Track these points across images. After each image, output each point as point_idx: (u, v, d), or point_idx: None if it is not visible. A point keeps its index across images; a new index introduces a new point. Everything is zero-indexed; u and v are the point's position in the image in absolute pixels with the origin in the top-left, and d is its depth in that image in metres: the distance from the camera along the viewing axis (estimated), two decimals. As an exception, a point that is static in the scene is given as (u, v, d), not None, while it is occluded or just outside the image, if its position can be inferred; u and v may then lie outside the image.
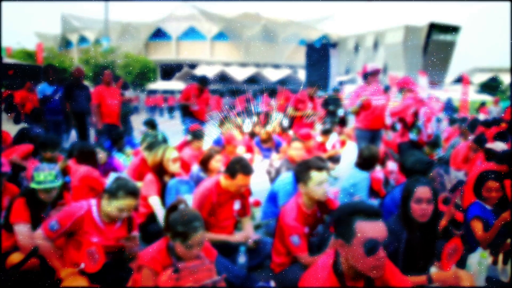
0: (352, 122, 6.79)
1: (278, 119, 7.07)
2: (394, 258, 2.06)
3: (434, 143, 4.76)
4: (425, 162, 3.04)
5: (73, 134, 6.32)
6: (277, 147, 5.79)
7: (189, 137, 4.66)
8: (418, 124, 4.73)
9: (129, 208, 2.35)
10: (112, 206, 2.33)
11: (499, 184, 2.81)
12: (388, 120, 4.93)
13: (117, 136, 5.19)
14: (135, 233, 2.43)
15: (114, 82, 6.68)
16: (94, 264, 2.24)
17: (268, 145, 5.75)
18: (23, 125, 8.66)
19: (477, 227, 2.74)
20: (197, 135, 4.63)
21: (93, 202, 2.41)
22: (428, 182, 2.24)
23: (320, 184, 2.57)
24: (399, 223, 2.22)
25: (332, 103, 8.93)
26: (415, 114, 4.78)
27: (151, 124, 6.24)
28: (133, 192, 2.35)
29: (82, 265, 2.23)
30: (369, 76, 5.10)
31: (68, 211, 2.38)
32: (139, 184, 3.48)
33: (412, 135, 4.78)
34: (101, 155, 4.15)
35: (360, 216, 1.53)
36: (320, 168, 2.60)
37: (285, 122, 6.97)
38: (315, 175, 2.57)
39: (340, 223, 1.59)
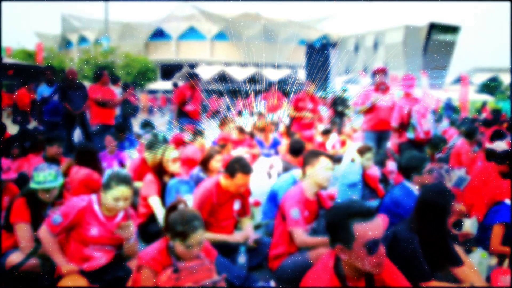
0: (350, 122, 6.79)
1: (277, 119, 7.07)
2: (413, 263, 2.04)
3: (436, 143, 4.74)
4: (418, 158, 3.06)
5: (76, 134, 6.30)
6: (276, 146, 5.79)
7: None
8: (412, 122, 4.75)
9: (124, 197, 2.37)
10: (107, 197, 2.37)
11: None
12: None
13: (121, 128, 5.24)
14: (129, 222, 2.42)
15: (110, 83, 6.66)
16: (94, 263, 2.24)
17: (263, 137, 5.77)
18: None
19: (498, 234, 2.62)
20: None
21: (94, 196, 2.46)
22: None
23: (327, 169, 2.70)
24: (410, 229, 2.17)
25: (341, 103, 8.88)
26: (409, 113, 4.80)
27: (148, 125, 6.25)
28: (125, 180, 2.38)
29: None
30: (376, 75, 5.16)
31: (69, 204, 2.42)
32: (139, 184, 3.49)
33: (409, 134, 4.80)
34: (111, 146, 4.21)
35: (356, 218, 1.52)
36: (329, 157, 2.80)
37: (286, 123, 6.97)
38: (323, 160, 2.73)
39: (337, 229, 1.58)
